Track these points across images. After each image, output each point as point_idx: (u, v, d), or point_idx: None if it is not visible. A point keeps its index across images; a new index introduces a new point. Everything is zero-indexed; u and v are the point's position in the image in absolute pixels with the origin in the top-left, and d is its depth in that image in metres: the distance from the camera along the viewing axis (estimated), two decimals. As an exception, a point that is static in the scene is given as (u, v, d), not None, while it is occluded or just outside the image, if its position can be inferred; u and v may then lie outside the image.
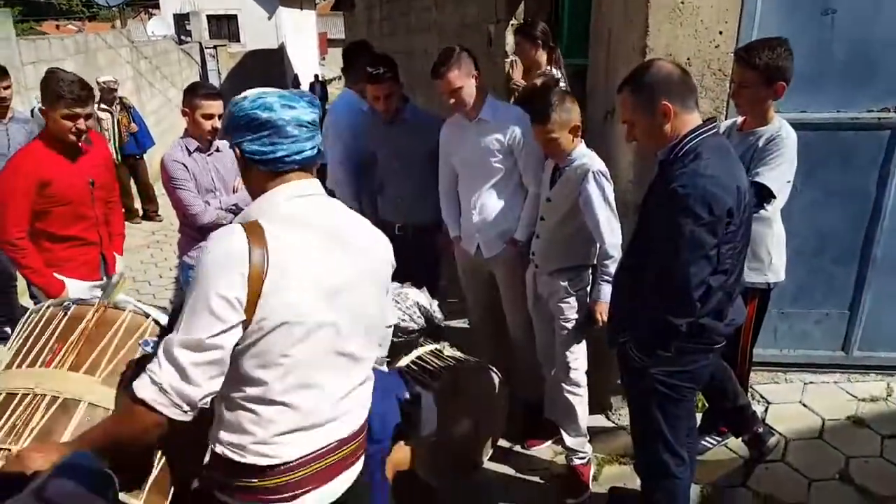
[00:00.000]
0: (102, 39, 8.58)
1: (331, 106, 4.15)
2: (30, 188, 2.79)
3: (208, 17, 26.15)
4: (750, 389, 3.20)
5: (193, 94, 3.17)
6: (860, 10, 2.64)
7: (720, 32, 2.62)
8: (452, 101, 3.00)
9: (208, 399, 1.33)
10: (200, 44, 16.81)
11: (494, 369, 2.72)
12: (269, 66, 22.52)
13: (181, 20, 24.09)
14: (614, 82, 2.94)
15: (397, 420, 2.11)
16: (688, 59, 2.63)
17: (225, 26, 26.83)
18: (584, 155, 2.70)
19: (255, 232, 1.34)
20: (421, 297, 2.45)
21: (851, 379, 3.24)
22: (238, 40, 26.14)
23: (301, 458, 1.43)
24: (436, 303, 2.54)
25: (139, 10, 27.12)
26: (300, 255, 1.39)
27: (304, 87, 22.23)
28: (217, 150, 3.33)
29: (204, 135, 3.21)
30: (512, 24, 4.30)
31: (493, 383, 2.67)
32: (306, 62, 27.78)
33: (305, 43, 29.71)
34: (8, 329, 4.55)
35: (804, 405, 3.21)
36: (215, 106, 3.16)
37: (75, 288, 2.85)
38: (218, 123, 3.18)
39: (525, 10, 4.26)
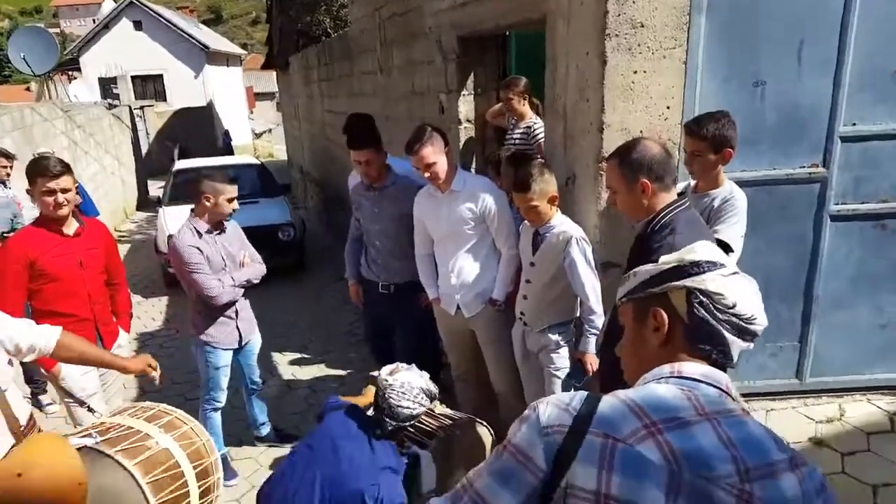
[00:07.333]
0: (38, 113, 8.44)
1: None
2: (19, 269, 2.89)
3: (133, 77, 25.82)
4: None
5: (216, 180, 3.38)
6: (785, 82, 2.99)
7: (668, 107, 2.92)
8: (427, 175, 3.21)
9: None
10: (130, 107, 16.52)
11: (483, 422, 2.86)
12: (198, 124, 22.31)
13: (107, 83, 23.69)
14: (573, 151, 3.21)
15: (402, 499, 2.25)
16: (640, 130, 2.90)
17: (151, 86, 26.54)
18: (562, 222, 2.93)
19: None
20: (420, 380, 2.58)
21: (807, 403, 3.52)
22: (164, 99, 25.84)
23: None
24: (427, 375, 2.68)
25: (58, 72, 26.45)
26: None
27: (237, 140, 22.09)
28: (224, 230, 3.52)
29: (224, 216, 3.46)
30: (463, 94, 4.56)
31: (483, 435, 2.81)
32: (236, 117, 27.70)
33: (234, 99, 29.65)
34: (41, 398, 4.75)
35: (769, 430, 3.46)
36: (235, 189, 3.42)
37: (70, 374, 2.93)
38: (237, 205, 3.45)
39: (475, 82, 4.53)
